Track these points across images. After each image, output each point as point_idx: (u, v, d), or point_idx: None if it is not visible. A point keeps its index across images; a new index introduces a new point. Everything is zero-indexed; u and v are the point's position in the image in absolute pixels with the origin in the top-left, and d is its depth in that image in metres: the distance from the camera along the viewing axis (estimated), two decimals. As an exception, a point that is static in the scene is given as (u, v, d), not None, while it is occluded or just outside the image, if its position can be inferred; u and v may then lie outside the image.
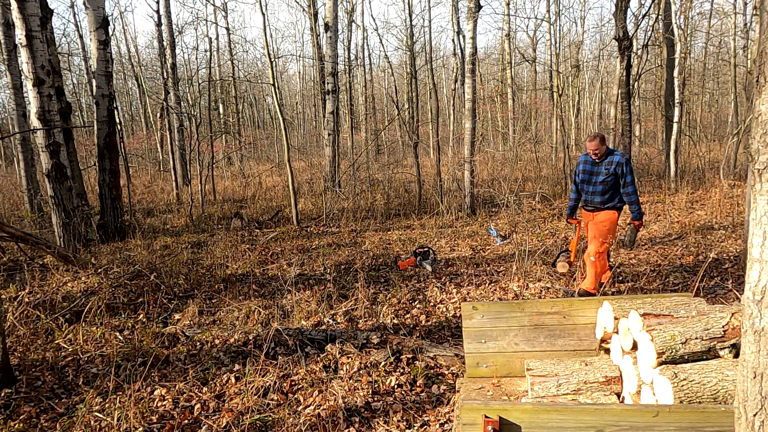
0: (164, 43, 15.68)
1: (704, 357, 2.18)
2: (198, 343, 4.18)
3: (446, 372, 3.71)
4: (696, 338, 2.18)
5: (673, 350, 2.17)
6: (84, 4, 8.10)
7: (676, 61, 11.46)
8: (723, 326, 2.18)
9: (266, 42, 9.48)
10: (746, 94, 12.75)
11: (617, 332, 2.59)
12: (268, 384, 3.46)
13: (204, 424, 3.10)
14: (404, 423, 3.12)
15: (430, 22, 18.10)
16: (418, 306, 5.08)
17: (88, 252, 7.13)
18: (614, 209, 4.88)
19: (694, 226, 7.64)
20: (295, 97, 35.19)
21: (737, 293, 4.63)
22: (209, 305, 5.11)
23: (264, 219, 9.78)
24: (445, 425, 3.07)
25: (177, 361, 3.90)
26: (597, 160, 4.89)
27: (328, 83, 12.26)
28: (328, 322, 4.64)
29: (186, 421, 3.14)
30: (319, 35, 16.82)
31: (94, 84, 8.47)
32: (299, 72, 34.90)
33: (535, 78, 24.65)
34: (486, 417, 1.87)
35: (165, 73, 15.43)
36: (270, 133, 26.64)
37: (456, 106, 22.39)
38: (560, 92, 15.71)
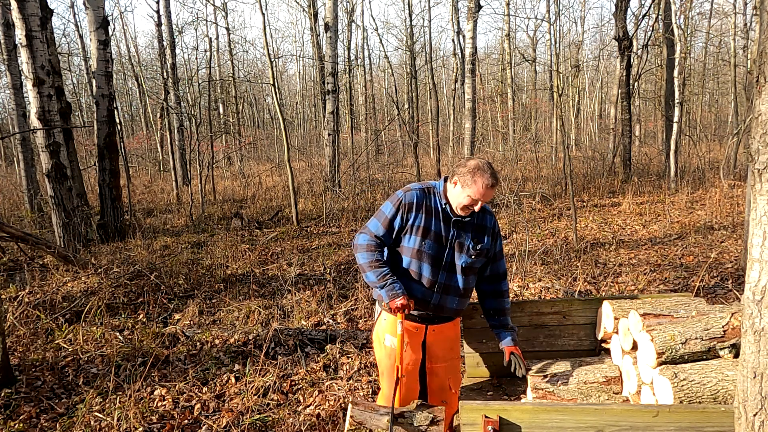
0: (164, 43, 15.69)
1: (704, 357, 2.19)
2: (198, 343, 4.18)
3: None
4: (696, 338, 2.18)
5: (673, 350, 2.17)
6: (84, 4, 8.10)
7: (676, 61, 11.46)
8: (723, 326, 2.18)
9: (266, 42, 9.48)
10: (746, 94, 12.76)
11: (617, 332, 2.59)
12: (268, 384, 3.46)
13: (204, 424, 3.10)
14: (404, 423, 3.11)
15: (430, 22, 18.14)
16: (418, 306, 5.07)
17: (88, 252, 7.13)
18: (459, 317, 2.59)
19: (694, 226, 7.64)
20: (295, 97, 35.20)
21: (737, 293, 4.63)
22: (209, 305, 5.11)
23: (264, 219, 9.78)
24: (445, 425, 3.07)
25: (177, 361, 3.90)
26: (466, 218, 2.37)
27: (328, 83, 12.26)
28: (328, 322, 4.64)
29: (186, 421, 3.14)
30: (319, 35, 16.83)
31: (94, 84, 8.47)
32: (299, 72, 34.92)
33: (535, 78, 24.66)
34: (486, 417, 1.87)
35: (165, 73, 15.45)
36: (270, 133, 26.63)
37: (456, 106, 22.40)
38: (560, 92, 15.70)
